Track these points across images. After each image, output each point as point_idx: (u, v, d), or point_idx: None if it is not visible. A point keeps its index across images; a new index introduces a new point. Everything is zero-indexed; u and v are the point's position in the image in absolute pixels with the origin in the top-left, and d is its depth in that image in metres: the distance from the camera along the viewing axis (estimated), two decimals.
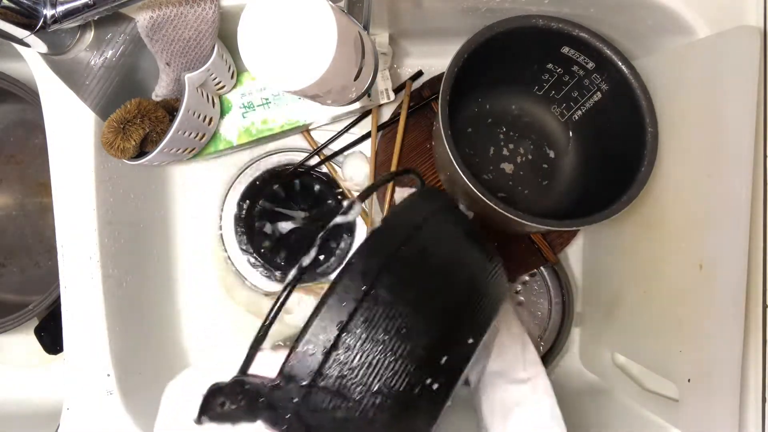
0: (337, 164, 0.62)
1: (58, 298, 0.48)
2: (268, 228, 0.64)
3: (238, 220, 0.63)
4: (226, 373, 0.29)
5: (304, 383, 0.27)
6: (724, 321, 0.41)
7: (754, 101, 0.41)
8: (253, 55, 0.34)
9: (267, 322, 0.28)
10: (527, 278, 0.61)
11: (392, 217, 0.32)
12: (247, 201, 0.63)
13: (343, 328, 0.27)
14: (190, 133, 0.50)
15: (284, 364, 0.27)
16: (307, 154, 0.61)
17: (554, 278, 0.61)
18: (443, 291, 0.31)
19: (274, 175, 0.62)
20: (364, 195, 0.32)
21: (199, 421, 0.29)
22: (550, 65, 0.53)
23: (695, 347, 0.44)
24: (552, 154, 0.59)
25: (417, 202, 0.34)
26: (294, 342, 0.27)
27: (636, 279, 0.54)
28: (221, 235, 0.63)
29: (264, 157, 0.62)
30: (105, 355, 0.49)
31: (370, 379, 0.27)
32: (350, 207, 0.31)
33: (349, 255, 0.29)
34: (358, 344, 0.27)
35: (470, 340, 0.30)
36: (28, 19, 0.37)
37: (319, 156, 0.61)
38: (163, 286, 0.63)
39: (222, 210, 0.63)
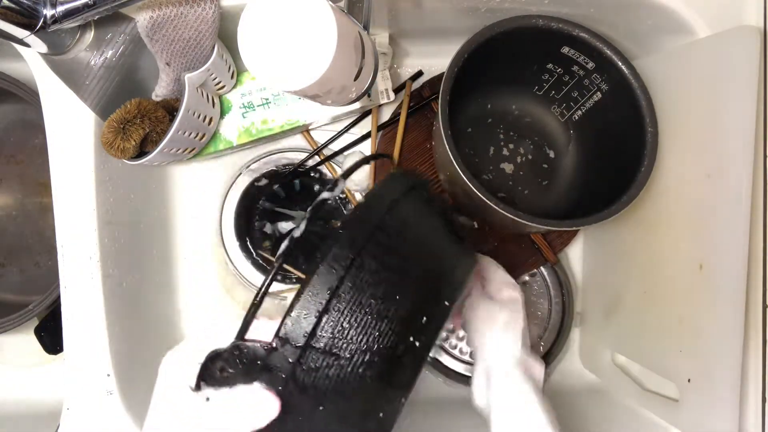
0: (337, 164, 0.62)
1: (58, 298, 0.48)
2: (268, 228, 0.64)
3: (238, 220, 0.63)
4: (222, 342, 0.30)
5: (299, 345, 0.29)
6: (724, 321, 0.41)
7: (754, 101, 0.41)
8: (253, 55, 0.34)
9: (262, 290, 0.30)
10: (527, 278, 0.61)
11: (374, 194, 0.34)
12: (247, 201, 0.63)
13: (334, 293, 0.29)
14: (190, 133, 0.50)
15: (280, 327, 0.28)
16: (307, 154, 0.61)
17: (554, 278, 0.61)
18: (421, 258, 0.34)
19: (274, 175, 0.62)
20: (347, 173, 0.34)
21: (197, 387, 0.30)
22: (550, 65, 0.53)
23: (695, 347, 0.44)
24: (552, 154, 0.59)
25: (393, 181, 0.36)
26: (289, 307, 0.29)
27: (636, 279, 0.54)
28: (221, 235, 0.63)
29: (264, 157, 0.62)
30: (105, 355, 0.49)
31: (360, 338, 0.29)
32: (335, 183, 0.34)
33: (338, 226, 0.31)
34: (348, 307, 0.29)
35: (446, 303, 0.33)
36: (28, 19, 0.37)
37: (319, 156, 0.61)
38: (163, 286, 0.63)
39: (222, 210, 0.63)
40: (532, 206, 0.57)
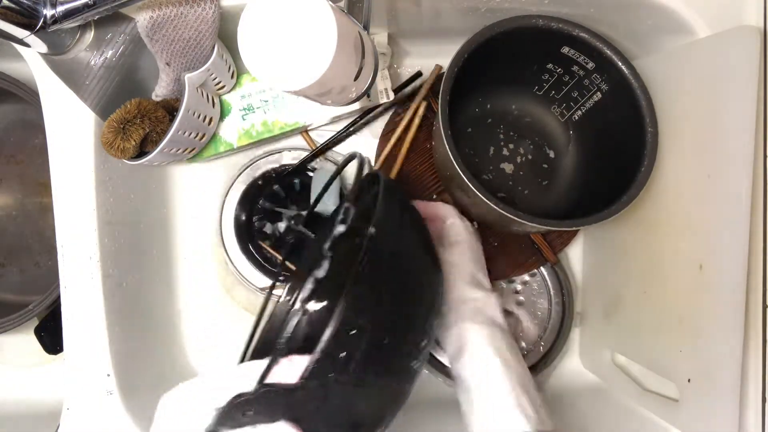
0: (337, 164, 0.62)
1: (58, 298, 0.48)
2: (268, 228, 0.64)
3: (238, 219, 0.63)
4: (226, 384, 0.30)
5: (324, 383, 0.29)
6: (724, 321, 0.41)
7: (754, 101, 0.41)
8: (253, 55, 0.34)
9: (287, 333, 0.31)
10: (527, 278, 0.61)
11: (383, 227, 0.34)
12: (247, 201, 0.63)
13: (360, 333, 0.30)
14: (190, 133, 0.50)
15: (306, 369, 0.29)
16: (306, 154, 0.61)
17: (554, 278, 0.61)
18: (422, 287, 0.37)
19: (274, 175, 0.62)
20: (354, 196, 0.35)
21: (216, 430, 0.30)
22: (550, 65, 0.53)
23: (695, 347, 0.44)
24: (552, 154, 0.59)
25: (391, 203, 0.37)
26: (315, 349, 0.29)
27: (636, 279, 0.54)
28: (221, 235, 0.63)
29: (264, 156, 0.62)
30: (105, 355, 0.49)
31: (378, 368, 0.32)
32: (347, 212, 0.34)
33: (356, 266, 0.32)
34: (369, 347, 0.31)
35: (435, 322, 0.37)
36: (28, 19, 0.37)
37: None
38: (163, 286, 0.63)
39: (222, 210, 0.63)
40: (532, 206, 0.57)
